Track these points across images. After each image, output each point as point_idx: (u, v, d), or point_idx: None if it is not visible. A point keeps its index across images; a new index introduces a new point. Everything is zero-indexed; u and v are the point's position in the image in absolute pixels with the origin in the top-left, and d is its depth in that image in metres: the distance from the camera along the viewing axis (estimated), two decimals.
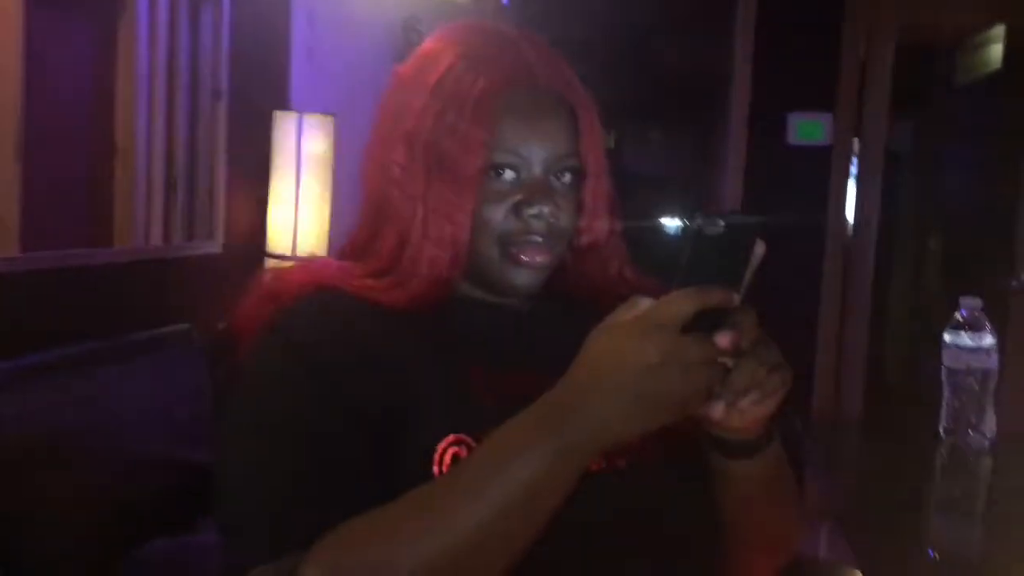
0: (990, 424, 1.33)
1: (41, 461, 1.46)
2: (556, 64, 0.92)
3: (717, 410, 0.72)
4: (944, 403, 1.35)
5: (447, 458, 0.77)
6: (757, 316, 0.71)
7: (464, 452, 0.78)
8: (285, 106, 2.79)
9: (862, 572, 1.03)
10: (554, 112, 0.88)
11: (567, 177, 0.89)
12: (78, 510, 1.40)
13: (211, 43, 2.41)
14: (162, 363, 1.77)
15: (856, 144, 3.52)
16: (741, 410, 0.74)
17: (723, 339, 0.67)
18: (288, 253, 2.62)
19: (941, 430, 1.36)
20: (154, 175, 2.19)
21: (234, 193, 2.55)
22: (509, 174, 0.87)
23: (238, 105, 2.55)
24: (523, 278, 0.88)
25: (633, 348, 0.66)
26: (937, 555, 1.10)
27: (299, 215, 2.63)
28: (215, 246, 2.47)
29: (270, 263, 2.65)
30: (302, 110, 2.71)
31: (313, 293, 0.86)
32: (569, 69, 0.94)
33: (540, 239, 0.87)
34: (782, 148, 3.49)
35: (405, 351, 0.83)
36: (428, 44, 0.93)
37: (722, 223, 0.69)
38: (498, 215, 0.86)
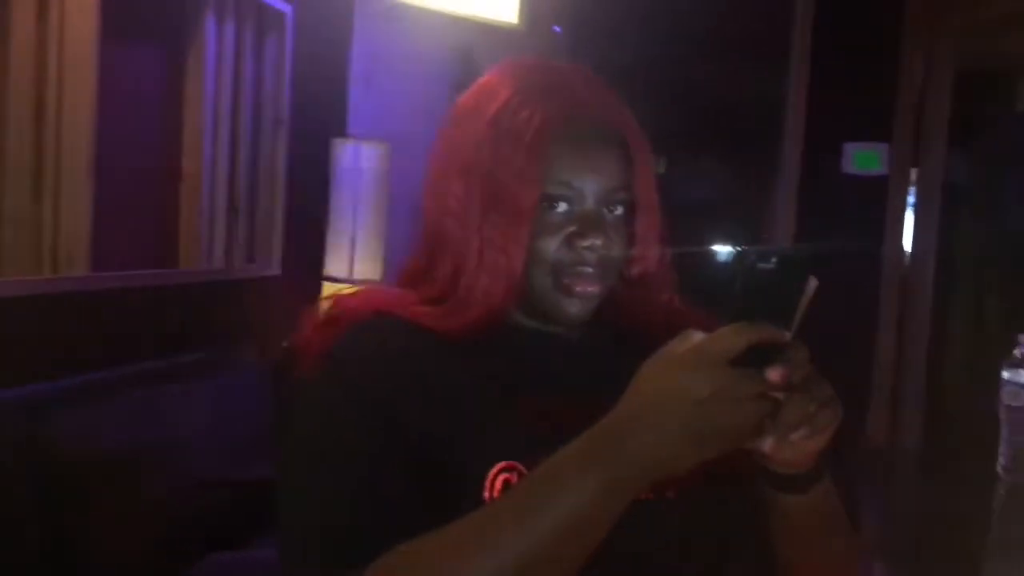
0: None
1: (104, 477, 1.51)
2: (609, 99, 0.94)
3: (767, 444, 0.72)
4: (1003, 440, 1.32)
5: (498, 484, 0.79)
6: (808, 352, 0.71)
7: (515, 479, 0.79)
8: (343, 133, 2.86)
9: None
10: (606, 146, 0.90)
11: (619, 210, 0.91)
12: (139, 525, 1.44)
13: (274, 73, 2.49)
14: (222, 383, 1.82)
15: (914, 174, 3.48)
16: (792, 444, 0.74)
17: (774, 374, 0.68)
18: (345, 276, 2.67)
19: (1000, 469, 1.34)
20: (217, 200, 2.26)
21: (293, 217, 2.61)
22: (562, 206, 0.89)
23: (298, 132, 2.62)
24: (575, 308, 0.89)
25: (684, 381, 0.67)
26: None
27: (356, 239, 2.69)
28: (274, 269, 2.53)
29: (327, 286, 2.70)
30: (359, 137, 2.77)
31: (370, 319, 0.89)
32: (622, 104, 0.96)
33: (592, 270, 0.88)
34: (838, 177, 3.46)
35: (458, 378, 0.85)
36: (486, 78, 0.95)
37: (775, 259, 0.70)
38: (551, 246, 0.88)
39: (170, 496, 1.59)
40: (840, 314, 3.29)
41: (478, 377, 0.86)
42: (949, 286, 3.85)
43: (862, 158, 3.41)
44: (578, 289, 0.88)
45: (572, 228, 0.88)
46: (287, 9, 2.47)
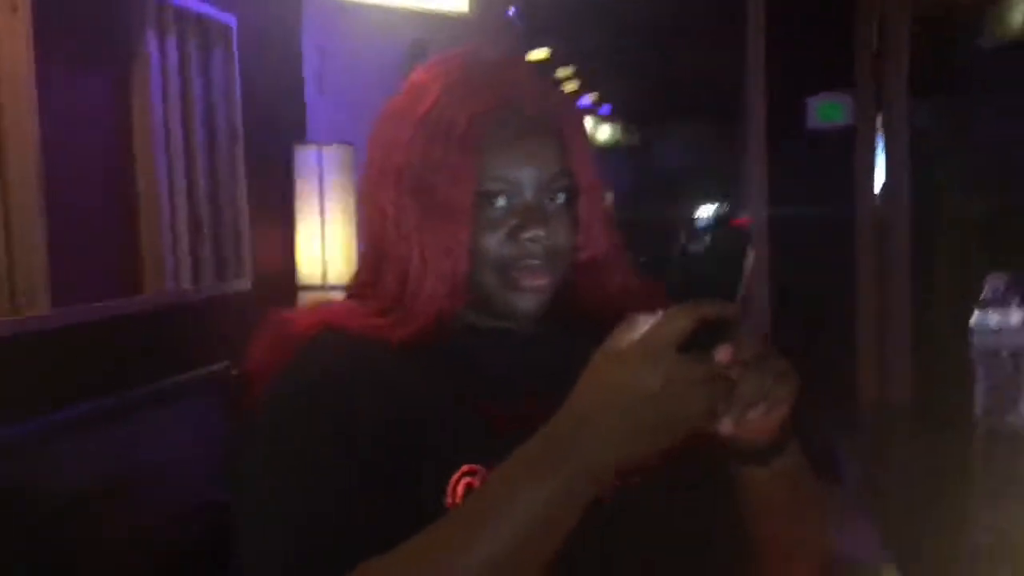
0: None
1: (83, 509, 1.49)
2: (541, 85, 0.92)
3: (726, 426, 0.71)
4: (978, 386, 1.31)
5: (460, 489, 0.78)
6: (757, 325, 0.70)
7: (477, 482, 0.78)
8: (302, 139, 2.83)
9: (900, 569, 1.01)
10: (540, 134, 0.88)
11: (560, 197, 0.89)
12: (119, 553, 1.43)
13: (224, 85, 2.45)
14: (197, 405, 1.80)
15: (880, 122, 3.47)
16: (750, 422, 0.73)
17: (723, 353, 0.67)
18: (319, 284, 2.65)
19: (976, 415, 1.33)
20: (178, 219, 2.23)
21: (260, 230, 2.58)
22: (501, 200, 0.87)
23: (256, 142, 2.59)
24: (526, 302, 0.87)
25: (633, 377, 0.65)
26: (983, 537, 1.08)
27: (326, 246, 2.67)
28: (245, 283, 2.50)
29: (302, 295, 2.68)
30: (320, 142, 2.75)
31: (319, 336, 0.87)
32: (555, 90, 0.94)
33: (538, 262, 0.86)
34: (804, 132, 3.46)
35: (414, 386, 0.84)
36: (414, 77, 0.93)
37: (708, 238, 0.69)
38: (494, 243, 0.86)
39: (153, 522, 1.58)
40: (820, 273, 3.29)
41: (434, 383, 0.84)
42: (926, 231, 3.85)
43: (826, 110, 3.41)
44: (527, 283, 0.87)
45: (513, 222, 0.87)
46: (231, 21, 2.43)
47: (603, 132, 11.42)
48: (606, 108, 10.14)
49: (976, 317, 1.30)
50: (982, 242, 4.08)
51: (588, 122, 8.78)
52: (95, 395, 1.77)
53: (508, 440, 0.73)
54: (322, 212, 2.68)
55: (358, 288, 0.94)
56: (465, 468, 0.78)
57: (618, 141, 11.32)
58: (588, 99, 9.16)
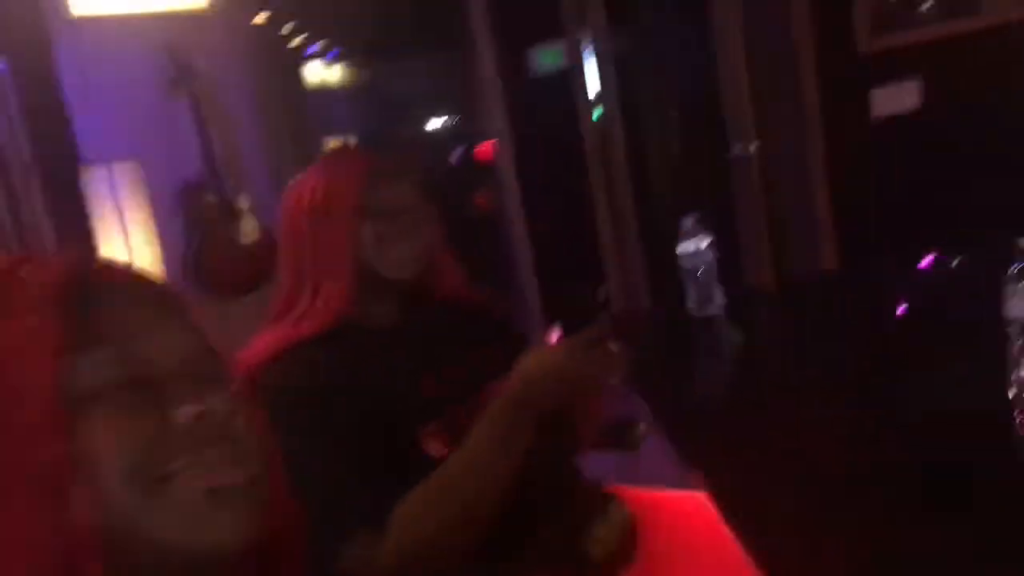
0: (720, 298, 1.92)
1: None
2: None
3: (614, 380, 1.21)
4: (688, 290, 1.92)
5: (429, 441, 1.22)
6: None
7: (436, 430, 1.22)
8: (81, 161, 2.96)
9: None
10: None
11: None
12: None
13: (7, 123, 2.57)
14: None
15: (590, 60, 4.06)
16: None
17: (613, 346, 1.17)
18: None
19: (689, 308, 1.94)
20: None
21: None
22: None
23: (47, 171, 2.72)
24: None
25: (557, 358, 1.15)
26: (704, 391, 1.68)
27: (134, 261, 2.86)
28: None
29: None
30: (104, 161, 2.90)
31: (278, 356, 1.25)
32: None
33: None
34: (531, 78, 3.98)
35: (373, 371, 1.25)
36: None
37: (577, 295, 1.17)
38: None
39: None
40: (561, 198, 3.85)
41: (376, 366, 1.26)
42: (638, 139, 4.55)
43: (546, 57, 3.94)
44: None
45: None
46: (2, 66, 2.54)
47: (333, 75, 11.48)
48: (333, 52, 10.22)
49: (680, 246, 1.90)
50: (683, 140, 4.87)
51: (317, 67, 8.86)
52: None
53: (446, 400, 1.19)
54: (125, 233, 2.86)
55: (279, 310, 1.32)
56: (426, 428, 1.23)
57: (349, 82, 11.44)
58: (316, 47, 9.23)
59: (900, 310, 1.88)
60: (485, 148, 5.72)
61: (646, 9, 4.72)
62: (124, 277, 0.65)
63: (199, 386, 0.59)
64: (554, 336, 1.19)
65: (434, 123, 8.57)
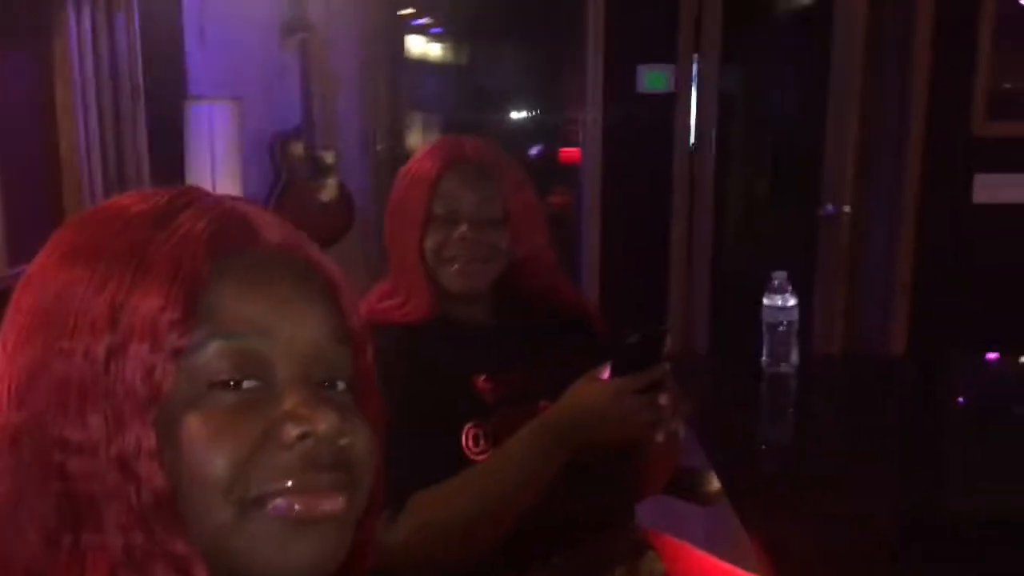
0: (795, 357, 1.88)
1: None
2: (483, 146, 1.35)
3: (659, 436, 1.18)
4: (765, 344, 1.89)
5: (470, 439, 1.23)
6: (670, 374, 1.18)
7: (479, 432, 1.23)
8: (186, 95, 3.02)
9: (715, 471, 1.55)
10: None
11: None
12: None
13: (126, 46, 2.63)
14: None
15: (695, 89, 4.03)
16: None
17: (663, 399, 1.14)
18: None
19: (763, 363, 1.91)
20: (95, 180, 2.44)
21: (159, 186, 2.80)
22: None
23: (151, 100, 2.78)
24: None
25: (605, 402, 1.13)
26: (764, 446, 1.66)
27: None
28: None
29: None
30: (208, 96, 2.96)
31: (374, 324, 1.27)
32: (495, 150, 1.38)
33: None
34: (634, 96, 3.96)
35: (427, 362, 1.26)
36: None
37: (640, 335, 1.15)
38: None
39: None
40: (643, 218, 3.83)
41: (437, 360, 1.27)
42: (727, 178, 4.51)
43: (652, 79, 3.92)
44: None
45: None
46: None
47: (433, 50, 11.59)
48: (438, 29, 10.30)
49: (766, 299, 1.86)
50: (770, 198, 4.82)
51: (420, 41, 8.93)
52: None
53: (496, 406, 1.19)
54: (213, 169, 2.91)
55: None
56: (471, 424, 1.23)
57: (447, 61, 11.52)
58: (423, 20, 9.32)
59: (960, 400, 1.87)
60: (570, 151, 5.72)
61: (761, 52, 4.67)
62: (274, 243, 0.56)
63: (317, 393, 0.54)
64: (606, 372, 1.15)
65: (522, 115, 8.60)
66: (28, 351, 0.51)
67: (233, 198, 0.59)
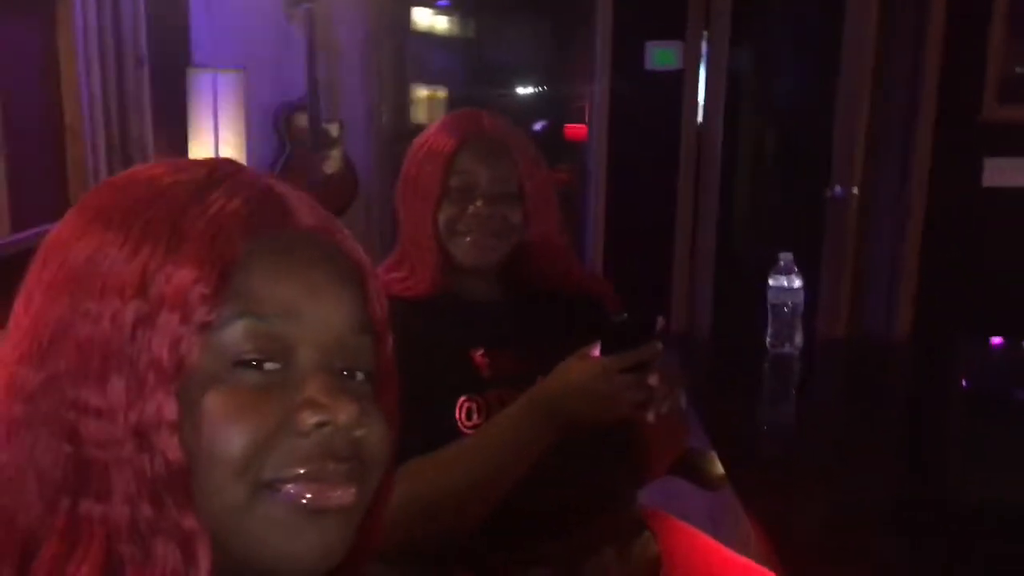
0: (799, 339, 1.87)
1: None
2: (498, 120, 1.33)
3: (649, 417, 1.15)
4: (769, 325, 1.87)
5: (463, 412, 1.22)
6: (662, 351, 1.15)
7: (474, 406, 1.22)
8: (191, 63, 3.00)
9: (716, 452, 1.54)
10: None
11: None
12: None
13: (131, 13, 2.60)
14: None
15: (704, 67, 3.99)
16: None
17: (652, 379, 1.11)
18: None
19: (767, 343, 1.90)
20: (98, 145, 2.42)
21: (161, 154, 2.78)
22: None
23: (155, 67, 2.75)
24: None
25: (593, 381, 1.10)
26: (766, 427, 1.65)
27: None
28: None
29: None
30: (213, 66, 2.93)
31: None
32: (510, 127, 1.35)
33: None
34: (642, 73, 3.93)
35: (426, 334, 1.25)
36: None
37: (628, 315, 1.12)
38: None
39: None
40: (648, 197, 3.81)
41: (438, 334, 1.26)
42: (734, 158, 4.48)
43: (661, 56, 3.88)
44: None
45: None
46: None
47: (439, 23, 11.50)
48: (444, 1, 10.21)
49: (772, 280, 1.85)
50: (775, 179, 4.79)
51: (426, 14, 8.86)
52: None
53: (491, 380, 1.17)
54: (216, 138, 2.90)
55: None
56: (465, 397, 1.22)
57: (452, 34, 11.43)
58: None
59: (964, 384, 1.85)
60: (575, 128, 5.68)
61: (772, 31, 4.63)
62: (307, 226, 0.56)
63: (338, 382, 0.53)
64: (595, 350, 1.13)
65: (528, 90, 8.55)
66: (53, 310, 0.50)
67: (269, 176, 0.58)
